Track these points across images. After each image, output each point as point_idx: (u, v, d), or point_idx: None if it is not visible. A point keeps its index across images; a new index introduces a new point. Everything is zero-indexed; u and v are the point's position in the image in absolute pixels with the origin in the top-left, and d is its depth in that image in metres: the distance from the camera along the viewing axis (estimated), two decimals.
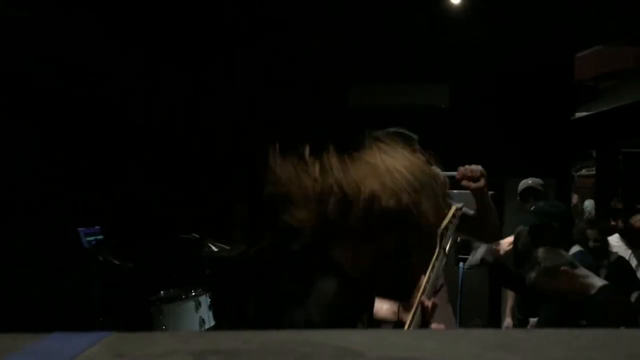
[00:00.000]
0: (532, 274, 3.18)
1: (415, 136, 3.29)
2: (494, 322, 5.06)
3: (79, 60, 5.34)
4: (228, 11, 5.97)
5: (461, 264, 4.60)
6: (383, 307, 1.85)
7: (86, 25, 5.32)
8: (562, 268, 3.07)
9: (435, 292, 1.88)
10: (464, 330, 0.60)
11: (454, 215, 2.05)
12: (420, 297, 1.73)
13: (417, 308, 1.72)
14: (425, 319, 1.75)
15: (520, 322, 4.35)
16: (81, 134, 5.39)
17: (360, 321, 1.56)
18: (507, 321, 4.61)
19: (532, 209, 4.43)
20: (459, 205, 2.49)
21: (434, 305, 1.77)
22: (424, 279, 1.74)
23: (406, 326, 1.71)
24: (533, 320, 4.09)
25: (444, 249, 1.90)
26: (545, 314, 3.70)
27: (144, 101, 6.02)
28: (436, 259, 1.83)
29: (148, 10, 5.68)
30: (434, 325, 1.77)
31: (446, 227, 1.98)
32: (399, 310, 1.85)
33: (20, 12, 4.82)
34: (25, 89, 4.92)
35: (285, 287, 1.52)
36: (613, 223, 5.23)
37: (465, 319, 4.64)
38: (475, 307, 5.06)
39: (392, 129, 3.43)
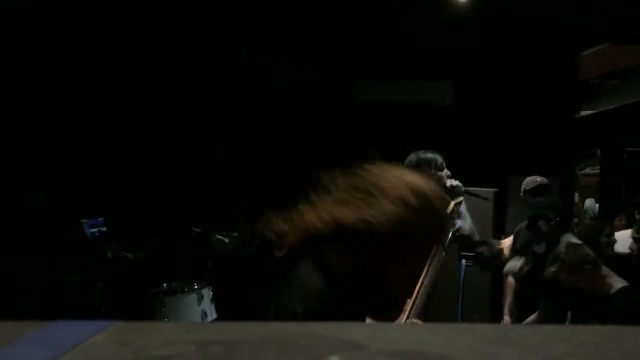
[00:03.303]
0: (553, 268, 3.16)
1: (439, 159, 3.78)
2: (495, 319, 5.06)
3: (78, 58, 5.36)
4: (224, 6, 5.95)
5: (463, 260, 4.60)
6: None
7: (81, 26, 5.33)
8: (586, 266, 3.06)
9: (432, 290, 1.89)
10: (465, 324, 0.60)
11: (453, 210, 2.09)
12: (411, 311, 1.74)
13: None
14: None
15: (518, 320, 4.36)
16: (86, 127, 5.41)
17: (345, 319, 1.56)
18: (505, 319, 4.61)
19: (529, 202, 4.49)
20: (459, 199, 2.56)
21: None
22: (420, 280, 1.76)
23: None
24: (530, 319, 4.10)
25: (443, 244, 1.92)
26: (548, 311, 3.71)
27: (144, 95, 6.04)
28: (434, 254, 1.85)
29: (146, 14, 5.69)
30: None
31: None
32: None
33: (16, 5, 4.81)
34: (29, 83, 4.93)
35: (272, 278, 1.57)
36: (638, 216, 5.18)
37: (466, 316, 4.65)
38: (476, 304, 5.07)
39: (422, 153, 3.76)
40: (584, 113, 7.34)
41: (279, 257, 1.64)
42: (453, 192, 3.69)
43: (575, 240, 3.64)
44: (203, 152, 6.51)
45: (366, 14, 6.10)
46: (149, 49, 5.93)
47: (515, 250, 4.73)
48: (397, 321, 1.82)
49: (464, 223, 3.82)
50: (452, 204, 2.16)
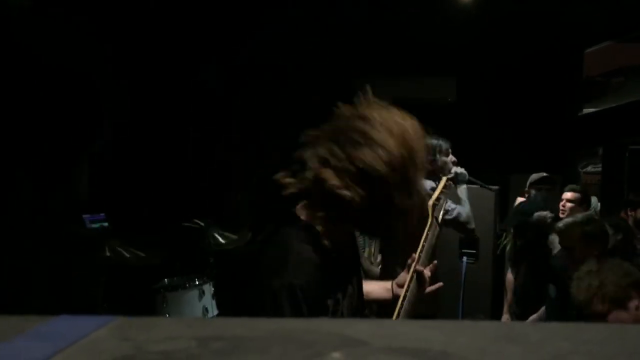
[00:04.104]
0: (580, 297, 2.28)
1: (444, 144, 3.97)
2: (496, 317, 5.07)
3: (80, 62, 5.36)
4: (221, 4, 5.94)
5: (464, 258, 4.61)
6: (374, 288, 1.88)
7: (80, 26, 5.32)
8: (634, 292, 2.38)
9: (430, 263, 1.92)
10: (468, 321, 0.60)
11: (445, 187, 2.16)
12: (415, 266, 1.78)
13: (411, 279, 1.77)
14: (421, 287, 1.80)
15: (518, 318, 4.36)
16: (86, 124, 5.41)
17: (342, 292, 1.60)
18: (505, 317, 4.62)
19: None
20: (450, 175, 2.63)
21: (430, 272, 1.84)
22: (418, 249, 1.80)
23: (401, 296, 1.76)
24: (532, 318, 4.10)
25: (437, 219, 1.98)
26: (550, 308, 3.71)
27: (144, 95, 6.05)
28: (429, 228, 1.90)
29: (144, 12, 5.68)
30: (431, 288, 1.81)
31: (438, 198, 2.07)
32: (392, 287, 1.88)
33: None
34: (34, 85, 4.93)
35: (266, 258, 1.57)
36: (630, 213, 5.19)
37: (468, 314, 4.65)
38: (478, 302, 5.07)
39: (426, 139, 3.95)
40: (586, 111, 7.33)
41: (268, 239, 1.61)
42: (457, 179, 3.93)
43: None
44: (203, 152, 6.52)
45: (366, 13, 6.08)
46: (149, 48, 5.92)
47: (517, 249, 4.74)
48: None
49: (463, 209, 3.84)
50: (444, 179, 2.22)
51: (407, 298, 1.76)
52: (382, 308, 1.88)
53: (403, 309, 1.74)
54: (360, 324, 0.59)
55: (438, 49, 6.45)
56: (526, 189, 5.00)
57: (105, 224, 4.61)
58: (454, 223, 3.85)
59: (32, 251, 4.43)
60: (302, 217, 1.54)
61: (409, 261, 1.83)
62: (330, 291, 1.53)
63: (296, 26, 6.05)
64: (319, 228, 1.52)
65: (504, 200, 5.90)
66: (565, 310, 3.34)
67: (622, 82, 7.36)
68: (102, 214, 4.61)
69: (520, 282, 4.55)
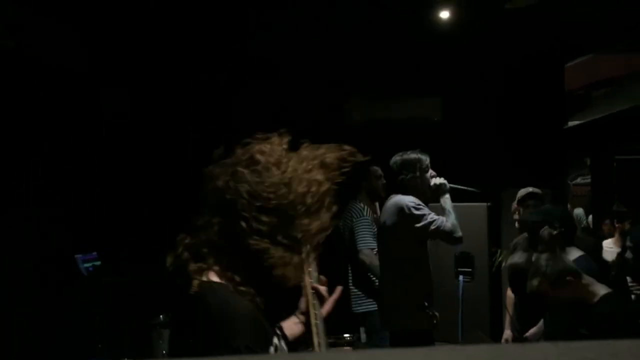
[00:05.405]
0: (535, 281, 3.15)
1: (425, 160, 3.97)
2: (496, 333, 5.04)
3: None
4: (217, 17, 5.95)
5: (461, 277, 4.60)
6: (292, 326, 1.84)
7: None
8: (568, 277, 3.06)
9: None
10: (459, 346, 0.60)
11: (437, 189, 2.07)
12: (309, 285, 1.76)
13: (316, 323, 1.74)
14: (322, 301, 1.79)
15: (520, 334, 4.34)
16: (77, 156, 5.39)
17: (277, 335, 1.65)
18: (507, 333, 4.59)
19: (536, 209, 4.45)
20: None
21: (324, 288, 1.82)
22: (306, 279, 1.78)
23: (312, 319, 1.74)
24: (531, 331, 4.08)
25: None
26: (546, 321, 3.72)
27: (144, 95, 6.05)
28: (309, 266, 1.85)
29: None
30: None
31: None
32: (298, 317, 1.84)
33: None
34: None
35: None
36: (617, 225, 5.20)
37: (466, 331, 4.63)
38: (476, 319, 5.05)
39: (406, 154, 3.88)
40: (572, 123, 7.39)
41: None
42: (439, 190, 3.95)
43: (579, 253, 3.60)
44: (203, 152, 6.48)
45: (366, 14, 6.01)
46: (149, 48, 5.91)
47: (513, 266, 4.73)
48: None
49: (448, 220, 3.80)
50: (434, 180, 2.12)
51: (317, 317, 1.73)
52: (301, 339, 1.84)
53: (319, 328, 1.72)
54: (352, 356, 0.59)
55: (423, 68, 6.49)
56: (515, 204, 4.99)
57: (98, 263, 4.58)
58: (439, 234, 3.82)
59: (28, 290, 4.39)
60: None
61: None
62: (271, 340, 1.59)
63: (296, 26, 6.02)
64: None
65: (495, 216, 5.91)
66: (560, 323, 3.36)
67: (605, 93, 7.45)
68: (94, 253, 4.58)
69: (520, 297, 4.53)
